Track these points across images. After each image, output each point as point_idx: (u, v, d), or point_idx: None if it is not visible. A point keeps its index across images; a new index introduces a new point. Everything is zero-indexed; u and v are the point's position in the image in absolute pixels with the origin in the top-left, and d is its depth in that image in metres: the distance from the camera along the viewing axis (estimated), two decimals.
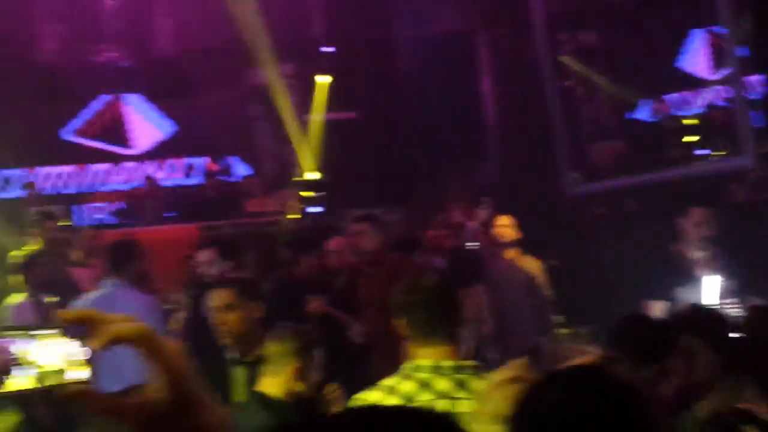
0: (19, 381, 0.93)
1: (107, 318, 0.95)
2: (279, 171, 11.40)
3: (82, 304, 4.61)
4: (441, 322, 2.35)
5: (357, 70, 10.60)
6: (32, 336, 0.95)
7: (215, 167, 11.33)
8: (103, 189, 11.50)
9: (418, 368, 2.31)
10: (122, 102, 11.53)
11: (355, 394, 2.48)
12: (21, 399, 0.84)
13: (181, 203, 10.92)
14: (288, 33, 10.32)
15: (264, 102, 10.83)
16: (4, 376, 0.92)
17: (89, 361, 0.98)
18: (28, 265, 5.50)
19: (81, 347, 0.97)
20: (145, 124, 11.66)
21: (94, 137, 11.47)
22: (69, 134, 11.42)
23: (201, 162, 11.72)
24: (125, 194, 11.37)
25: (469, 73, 10.76)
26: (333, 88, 10.67)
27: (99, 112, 11.48)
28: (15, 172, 11.13)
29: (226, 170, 11.51)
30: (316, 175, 10.46)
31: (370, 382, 2.67)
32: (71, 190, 11.34)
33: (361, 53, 10.78)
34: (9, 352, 0.93)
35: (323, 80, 10.65)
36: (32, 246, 6.44)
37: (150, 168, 11.56)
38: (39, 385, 0.94)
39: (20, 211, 9.35)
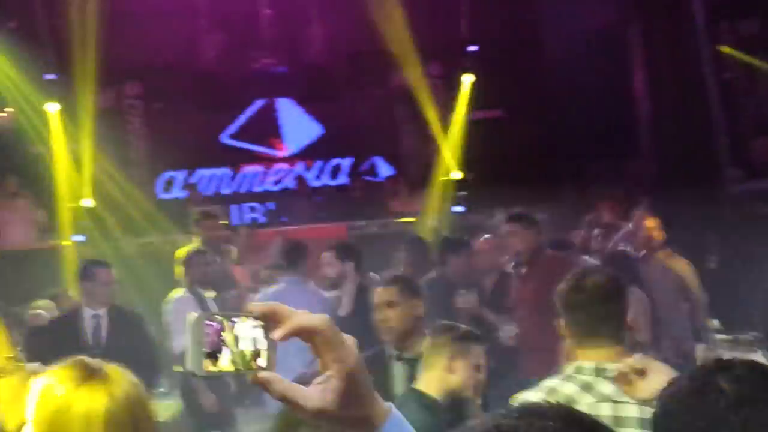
0: (222, 363, 1.00)
1: (291, 311, 1.01)
2: (423, 171, 11.49)
3: (260, 299, 4.94)
4: (606, 322, 2.27)
5: (502, 68, 10.50)
6: (233, 322, 1.01)
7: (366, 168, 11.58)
8: (256, 190, 12.02)
9: (579, 370, 2.24)
10: (275, 106, 12.02)
11: (505, 396, 2.44)
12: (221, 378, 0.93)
13: (329, 203, 11.27)
14: (433, 33, 10.37)
15: (409, 102, 10.94)
16: (214, 357, 0.99)
17: (270, 350, 1.03)
18: (188, 262, 5.82)
19: (265, 336, 1.02)
20: (296, 127, 12.09)
21: (248, 140, 12.02)
22: (226, 138, 12.02)
23: (347, 163, 12.01)
24: (277, 195, 11.86)
25: (621, 67, 10.36)
26: (478, 86, 10.62)
27: (253, 117, 12.01)
28: (177, 174, 11.88)
29: (372, 170, 11.73)
30: (459, 175, 10.45)
31: (520, 384, 2.62)
32: (228, 191, 11.91)
33: (507, 51, 10.66)
34: (219, 334, 1.00)
35: (468, 79, 10.63)
36: (193, 244, 6.78)
37: (299, 169, 11.96)
38: (236, 369, 1.00)
39: (182, 211, 9.96)
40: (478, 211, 9.94)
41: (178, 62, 10.33)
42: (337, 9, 10.35)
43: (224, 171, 11.96)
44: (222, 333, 1.00)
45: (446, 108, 10.71)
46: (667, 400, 1.35)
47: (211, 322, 0.99)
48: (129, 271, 7.54)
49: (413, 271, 5.28)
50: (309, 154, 12.11)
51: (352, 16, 10.20)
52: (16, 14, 9.40)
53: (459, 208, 10.11)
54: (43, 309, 5.32)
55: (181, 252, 6.51)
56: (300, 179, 11.67)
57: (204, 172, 11.89)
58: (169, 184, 11.91)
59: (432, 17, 10.51)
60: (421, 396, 2.76)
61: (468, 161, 10.53)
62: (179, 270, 6.27)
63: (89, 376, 1.39)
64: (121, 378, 1.42)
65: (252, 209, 11.84)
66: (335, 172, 12.06)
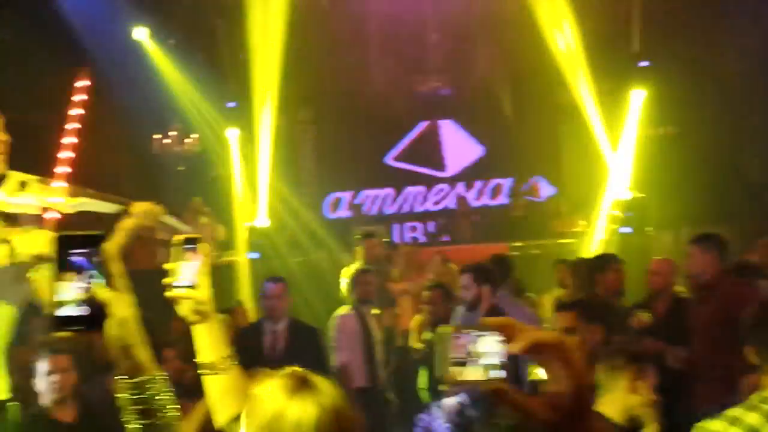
0: (467, 373, 1.07)
1: (526, 326, 1.05)
2: (586, 191, 11.20)
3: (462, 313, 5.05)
4: None
5: (675, 83, 10.04)
6: (478, 336, 1.07)
7: (526, 187, 11.44)
8: (417, 210, 12.23)
9: (766, 399, 2.14)
10: (438, 127, 12.21)
11: (676, 423, 2.36)
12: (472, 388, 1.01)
13: (489, 223, 11.24)
14: (603, 49, 10.12)
15: (573, 121, 10.73)
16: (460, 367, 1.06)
17: (506, 362, 1.08)
18: (354, 281, 6.00)
19: (502, 349, 1.07)
20: (458, 148, 12.20)
21: (412, 162, 12.27)
22: (390, 159, 12.35)
23: (507, 183, 11.95)
24: (438, 214, 12.00)
25: None
26: (649, 102, 10.25)
27: (417, 138, 12.27)
28: (344, 195, 12.35)
29: (533, 191, 11.58)
30: (628, 194, 10.07)
31: (693, 411, 2.50)
32: (391, 211, 12.21)
33: (680, 66, 10.19)
34: (467, 347, 1.07)
35: (639, 95, 10.28)
36: (356, 262, 6.98)
37: (460, 189, 12.04)
38: (477, 380, 1.07)
39: (347, 230, 10.34)
40: (645, 232, 9.57)
41: (348, 88, 10.75)
42: (503, 30, 10.36)
43: (387, 192, 12.28)
44: (469, 346, 1.06)
45: (613, 125, 10.40)
46: None
47: (459, 335, 1.06)
48: (295, 288, 7.91)
49: (579, 294, 5.17)
50: (470, 174, 12.16)
51: (517, 36, 10.18)
52: (203, 47, 10.19)
53: (626, 229, 9.74)
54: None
55: (347, 271, 6.77)
56: (461, 199, 11.74)
57: (368, 193, 12.26)
58: (336, 204, 12.38)
59: (602, 32, 10.26)
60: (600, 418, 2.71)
61: (636, 180, 10.14)
62: (344, 288, 6.52)
63: (300, 386, 1.46)
64: (329, 389, 1.49)
65: (413, 228, 12.06)
66: (496, 192, 12.03)
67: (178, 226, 3.12)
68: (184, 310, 1.71)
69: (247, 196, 11.04)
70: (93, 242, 1.11)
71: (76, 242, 1.11)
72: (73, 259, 1.10)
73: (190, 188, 10.01)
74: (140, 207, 2.81)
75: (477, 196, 12.01)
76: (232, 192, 10.72)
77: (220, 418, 1.75)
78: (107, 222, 2.83)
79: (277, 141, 11.78)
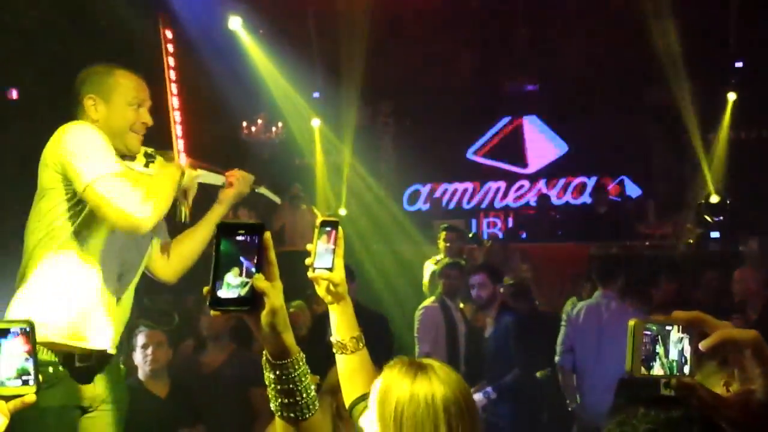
0: (655, 368, 1.06)
1: (717, 322, 1.03)
2: (674, 193, 10.89)
3: (570, 310, 5.03)
4: None
5: None
6: (666, 331, 1.07)
7: (610, 187, 11.19)
8: (497, 205, 12.13)
9: None
10: (521, 123, 12.08)
11: None
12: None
13: (570, 222, 11.03)
14: (695, 48, 9.80)
15: (663, 121, 10.45)
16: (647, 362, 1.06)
17: (694, 358, 1.07)
18: (441, 274, 6.00)
19: (690, 344, 1.07)
20: (541, 145, 12.04)
21: (493, 157, 12.18)
22: (471, 154, 12.28)
23: (592, 181, 11.73)
24: (518, 211, 11.88)
25: None
26: (742, 104, 9.88)
27: (499, 133, 12.17)
28: (423, 188, 12.35)
29: (619, 191, 11.33)
30: (717, 198, 9.75)
31: None
32: (470, 206, 12.15)
33: None
34: (655, 341, 1.06)
35: (732, 96, 9.93)
36: (440, 256, 6.98)
37: (542, 186, 11.89)
38: (664, 374, 1.07)
39: (426, 222, 10.33)
40: (736, 238, 9.24)
41: (432, 81, 10.74)
42: (592, 26, 10.15)
43: (467, 186, 12.21)
44: (657, 340, 1.06)
45: (705, 127, 10.07)
46: None
47: (648, 330, 1.06)
48: (382, 277, 7.95)
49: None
50: (552, 171, 11.99)
51: (608, 32, 9.96)
52: (293, 36, 10.32)
53: (715, 234, 9.42)
54: (295, 308, 5.68)
55: (430, 263, 6.77)
56: (542, 196, 11.58)
57: (448, 187, 12.23)
58: (415, 196, 12.40)
59: (696, 31, 9.94)
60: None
61: (728, 183, 9.80)
62: (426, 280, 6.52)
63: (419, 369, 1.52)
64: (445, 369, 1.55)
65: (492, 224, 11.98)
66: (579, 190, 11.82)
67: (271, 196, 3.20)
68: (321, 290, 1.81)
69: (328, 186, 11.19)
70: (253, 230, 1.16)
71: (237, 230, 1.16)
72: (234, 245, 1.15)
73: (275, 176, 10.19)
74: (237, 174, 2.90)
75: (559, 194, 11.83)
76: (315, 181, 10.88)
77: (347, 397, 1.82)
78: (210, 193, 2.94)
79: (359, 132, 11.90)
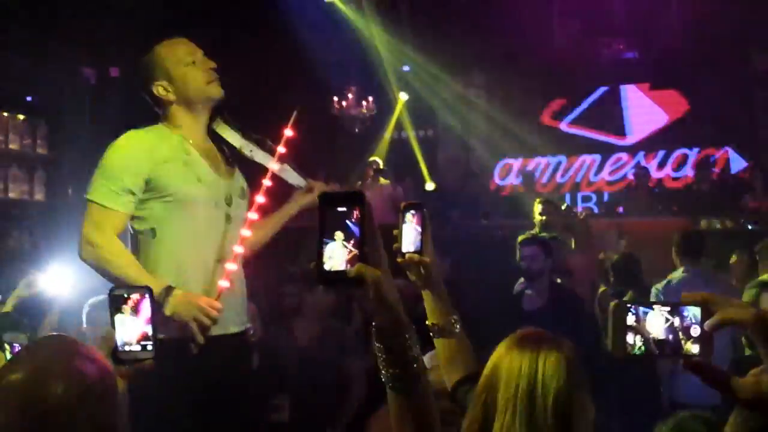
0: (637, 346, 1.09)
1: (725, 301, 1.04)
2: None
3: (662, 288, 4.94)
4: None
5: None
6: (648, 310, 1.09)
7: (714, 159, 10.68)
8: (593, 179, 11.78)
9: None
10: (619, 93, 11.64)
11: None
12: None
13: (671, 196, 10.61)
14: None
15: None
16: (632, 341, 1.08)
17: (703, 338, 1.07)
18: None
19: (699, 324, 1.07)
20: (640, 115, 11.58)
21: (589, 127, 11.80)
22: (565, 125, 11.94)
23: (694, 153, 11.22)
24: (615, 184, 11.50)
25: None
26: None
27: (596, 103, 11.76)
28: (515, 161, 12.11)
29: (723, 163, 10.80)
30: None
31: None
32: (564, 179, 11.85)
33: None
34: (638, 320, 1.08)
35: None
36: (536, 230, 6.84)
37: (641, 159, 11.45)
38: (647, 352, 1.09)
39: (518, 197, 10.15)
40: None
41: (524, 50, 10.47)
42: None
43: (561, 159, 11.89)
44: (639, 320, 1.08)
45: None
46: None
47: (630, 311, 1.08)
48: (471, 251, 7.84)
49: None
50: (652, 143, 11.52)
51: None
52: (383, 11, 10.26)
53: None
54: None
55: (523, 238, 6.63)
56: (640, 169, 11.14)
57: (541, 160, 11.95)
58: (507, 170, 12.18)
59: None
60: None
61: None
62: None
63: (537, 340, 1.52)
64: (560, 339, 1.53)
65: (587, 198, 11.65)
66: (680, 163, 11.33)
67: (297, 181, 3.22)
68: (412, 275, 1.80)
69: (418, 160, 11.17)
70: (354, 200, 1.14)
71: (338, 201, 1.14)
72: (337, 215, 1.13)
73: (366, 150, 10.23)
74: (318, 185, 2.97)
75: (658, 167, 11.36)
76: (411, 155, 10.90)
77: (448, 380, 1.81)
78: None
79: (449, 104, 11.76)
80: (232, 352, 2.65)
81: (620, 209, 10.53)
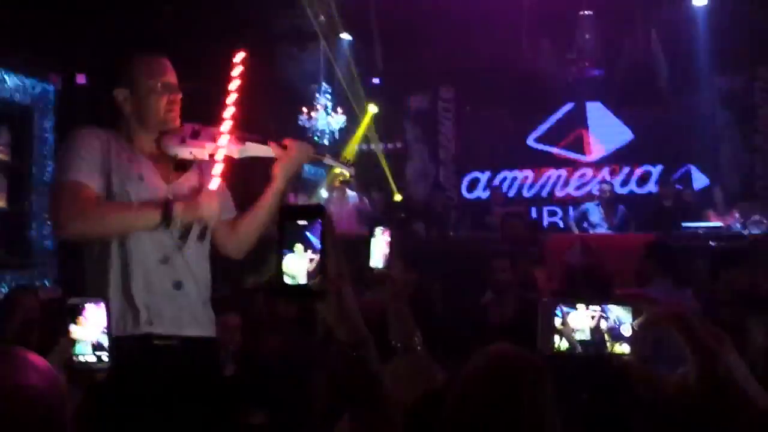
0: (563, 344, 1.12)
1: (656, 302, 1.05)
2: (741, 182, 10.52)
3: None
4: None
5: None
6: (572, 308, 1.12)
7: (678, 176, 10.88)
8: (558, 194, 11.91)
9: None
10: (584, 109, 11.81)
11: None
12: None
13: (634, 212, 10.75)
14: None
15: (733, 107, 10.07)
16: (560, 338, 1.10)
17: (634, 338, 1.09)
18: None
19: (629, 324, 1.09)
20: (604, 132, 11.76)
21: (554, 144, 11.95)
22: (532, 141, 12.08)
23: (657, 170, 11.41)
24: (579, 200, 11.63)
25: None
26: None
27: (561, 120, 11.91)
28: (482, 175, 12.20)
29: (685, 179, 11.00)
30: None
31: None
32: (530, 194, 11.97)
33: None
34: (565, 318, 1.11)
35: None
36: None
37: (605, 175, 11.61)
38: (571, 350, 1.11)
39: (485, 210, 10.23)
40: None
41: (492, 66, 10.57)
42: (661, 7, 9.82)
43: (527, 173, 12.02)
44: (565, 318, 1.10)
45: None
46: None
47: (557, 309, 1.11)
48: (437, 264, 7.88)
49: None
50: (616, 159, 11.70)
51: (676, 16, 9.63)
52: (354, 21, 10.30)
53: None
54: None
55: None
56: (605, 185, 11.29)
57: (507, 174, 12.06)
58: (474, 184, 12.27)
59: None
60: None
61: None
62: None
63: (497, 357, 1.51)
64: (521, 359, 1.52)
65: (552, 213, 11.77)
66: (643, 179, 11.51)
67: (341, 167, 3.13)
68: (378, 290, 1.79)
69: (385, 172, 11.21)
70: (314, 213, 1.14)
71: (299, 214, 1.15)
72: (297, 229, 1.14)
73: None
74: (295, 144, 2.77)
75: (623, 183, 11.54)
76: (378, 167, 10.92)
77: (407, 399, 1.79)
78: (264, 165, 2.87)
79: (418, 118, 11.84)
80: (195, 357, 2.61)
81: (584, 223, 10.66)
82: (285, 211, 1.16)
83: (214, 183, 2.65)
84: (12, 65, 6.66)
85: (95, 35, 7.08)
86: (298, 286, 1.12)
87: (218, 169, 2.67)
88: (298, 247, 1.13)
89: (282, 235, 1.13)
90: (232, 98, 2.71)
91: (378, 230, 1.77)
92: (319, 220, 1.13)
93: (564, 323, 1.10)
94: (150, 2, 7.87)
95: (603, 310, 1.09)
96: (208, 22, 7.92)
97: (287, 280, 1.12)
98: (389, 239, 1.78)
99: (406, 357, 1.82)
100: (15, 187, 7.10)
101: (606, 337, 1.09)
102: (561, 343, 1.10)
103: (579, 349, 1.09)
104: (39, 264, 6.97)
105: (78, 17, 7.24)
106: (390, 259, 1.77)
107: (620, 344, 1.08)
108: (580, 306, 1.10)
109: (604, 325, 1.09)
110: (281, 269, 1.12)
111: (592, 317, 1.09)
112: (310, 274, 1.12)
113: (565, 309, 1.10)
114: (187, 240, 2.59)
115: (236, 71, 2.73)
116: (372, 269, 1.76)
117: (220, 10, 8.05)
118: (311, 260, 1.12)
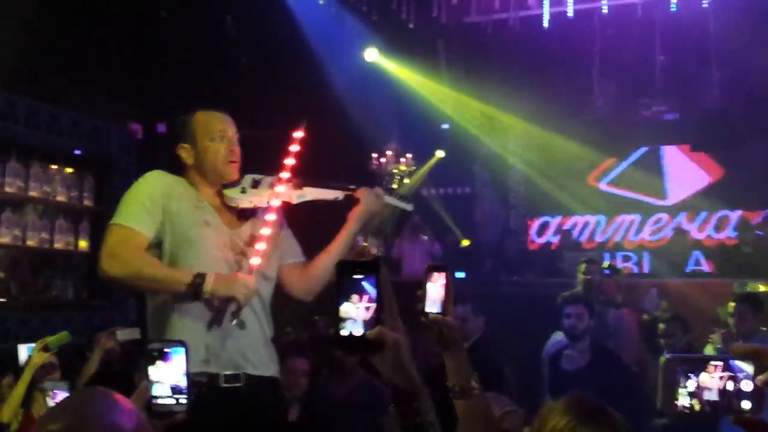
0: (686, 403, 1.09)
1: None
2: None
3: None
4: None
5: None
6: (702, 366, 1.09)
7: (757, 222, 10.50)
8: (632, 239, 11.64)
9: None
10: (659, 154, 11.58)
11: None
12: None
13: (712, 257, 10.44)
14: None
15: None
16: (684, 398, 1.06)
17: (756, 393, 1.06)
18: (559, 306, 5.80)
19: (751, 379, 1.07)
20: (680, 176, 11.49)
21: (628, 188, 11.73)
22: (604, 185, 11.89)
23: (735, 215, 11.05)
24: (654, 244, 11.35)
25: None
26: None
27: (636, 164, 11.71)
28: (552, 219, 12.05)
29: (765, 225, 10.60)
30: None
31: None
32: (602, 239, 11.73)
33: None
34: (689, 377, 1.07)
35: None
36: (578, 290, 6.77)
37: (681, 220, 11.31)
38: (701, 411, 1.08)
39: (553, 255, 10.08)
40: None
41: (565, 110, 10.52)
42: (737, 51, 9.60)
43: (599, 218, 11.80)
44: (690, 377, 1.07)
45: None
46: None
47: (681, 367, 1.07)
48: (507, 308, 7.78)
49: None
50: (692, 204, 11.39)
51: (753, 59, 9.39)
52: (424, 68, 10.35)
53: None
54: None
55: (561, 297, 6.56)
56: (680, 230, 11.01)
57: (579, 219, 11.87)
58: (543, 228, 12.11)
59: None
60: None
61: None
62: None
63: (589, 412, 1.47)
64: (616, 415, 1.49)
65: (626, 258, 11.50)
66: (721, 224, 11.16)
67: (402, 205, 3.17)
68: (435, 335, 1.77)
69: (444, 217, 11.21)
70: (371, 267, 1.17)
71: (356, 267, 1.17)
72: (354, 283, 1.16)
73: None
74: (366, 192, 2.85)
75: (699, 229, 11.20)
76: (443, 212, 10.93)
77: None
78: (332, 212, 2.91)
79: (488, 162, 11.83)
80: (261, 399, 2.65)
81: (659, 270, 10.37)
82: (342, 266, 1.18)
83: (266, 230, 2.73)
84: (96, 113, 6.97)
85: (174, 85, 7.38)
86: (355, 338, 1.14)
87: (272, 216, 2.75)
88: (355, 298, 1.15)
89: (339, 287, 1.16)
90: (294, 147, 2.81)
91: (433, 275, 1.77)
92: (375, 274, 1.16)
93: (693, 385, 1.08)
94: (224, 55, 8.17)
95: (730, 366, 1.07)
96: (282, 72, 8.16)
97: (344, 331, 1.14)
98: (445, 282, 1.76)
99: (463, 400, 1.80)
100: (97, 232, 7.36)
101: (733, 396, 1.07)
102: (683, 401, 1.08)
103: (707, 408, 1.07)
104: (117, 306, 7.18)
105: (161, 67, 7.57)
106: (446, 304, 1.76)
107: (743, 400, 1.07)
108: (708, 365, 1.08)
109: (731, 386, 1.07)
110: (339, 319, 1.14)
111: (720, 378, 1.07)
112: (367, 324, 1.13)
113: (700, 367, 1.08)
114: (232, 318, 2.61)
115: (297, 135, 2.82)
116: (427, 314, 1.76)
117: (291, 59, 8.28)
118: (367, 308, 1.14)
